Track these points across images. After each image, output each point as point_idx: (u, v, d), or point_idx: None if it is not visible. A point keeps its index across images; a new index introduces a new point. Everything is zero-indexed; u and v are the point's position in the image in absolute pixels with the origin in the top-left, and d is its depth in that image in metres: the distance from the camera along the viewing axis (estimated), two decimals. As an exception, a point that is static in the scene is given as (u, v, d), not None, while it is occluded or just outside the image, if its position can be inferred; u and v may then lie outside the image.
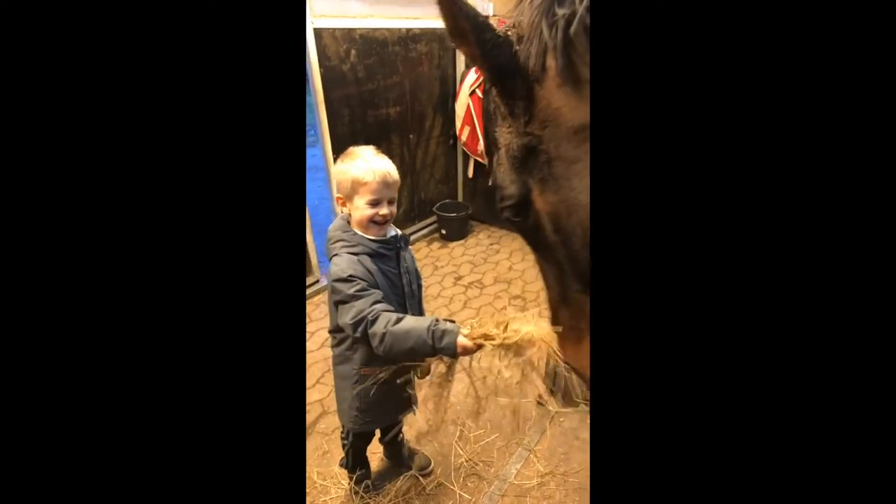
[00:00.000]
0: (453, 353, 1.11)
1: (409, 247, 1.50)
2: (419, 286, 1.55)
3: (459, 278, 3.32)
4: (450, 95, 3.76)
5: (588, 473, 1.75)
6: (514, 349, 1.03)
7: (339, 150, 3.16)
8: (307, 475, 1.86)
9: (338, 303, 1.29)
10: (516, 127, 0.67)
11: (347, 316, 1.25)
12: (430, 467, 1.87)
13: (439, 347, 1.12)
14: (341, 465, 1.79)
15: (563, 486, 1.77)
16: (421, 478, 1.83)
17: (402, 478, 1.83)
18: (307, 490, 1.81)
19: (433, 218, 3.98)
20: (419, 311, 1.53)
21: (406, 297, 1.45)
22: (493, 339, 1.03)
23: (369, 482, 1.76)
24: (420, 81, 3.52)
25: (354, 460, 1.72)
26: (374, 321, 1.21)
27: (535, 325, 1.01)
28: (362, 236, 1.35)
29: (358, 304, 1.24)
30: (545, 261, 0.82)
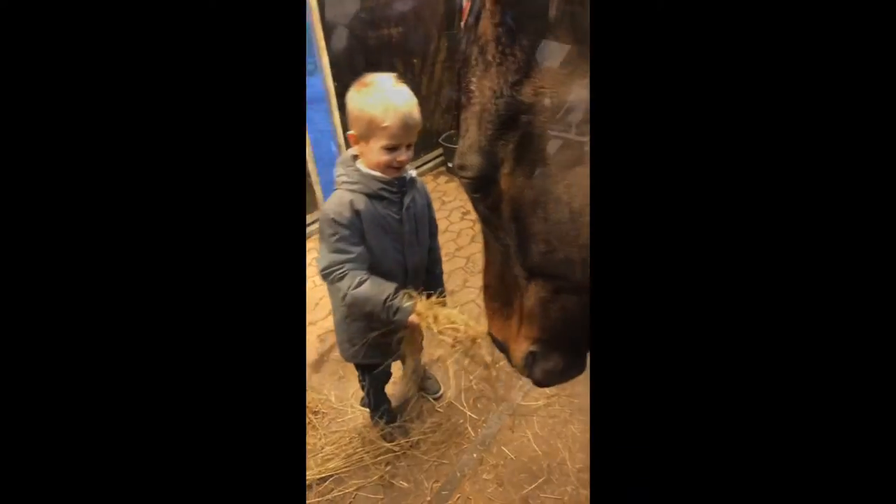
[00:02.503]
0: (404, 326, 1.24)
1: (418, 188, 1.37)
2: (431, 234, 1.45)
3: (467, 213, 3.29)
4: (456, 13, 3.48)
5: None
6: (464, 348, 1.17)
7: (339, 79, 2.99)
8: (325, 398, 1.97)
9: (321, 238, 1.28)
10: (502, 83, 0.52)
11: (321, 261, 1.26)
12: (441, 392, 1.96)
13: (392, 320, 1.21)
14: (362, 405, 1.86)
15: (568, 406, 1.87)
16: (432, 400, 1.94)
17: (412, 401, 1.93)
18: (324, 412, 1.93)
19: (439, 150, 3.86)
20: (419, 259, 1.40)
21: (405, 243, 1.34)
22: (433, 327, 1.19)
23: (387, 407, 1.84)
24: (423, -3, 3.24)
25: (375, 399, 1.75)
26: (340, 278, 1.22)
27: (464, 320, 1.16)
28: (365, 173, 1.24)
29: (331, 257, 1.23)
30: (494, 240, 0.71)
